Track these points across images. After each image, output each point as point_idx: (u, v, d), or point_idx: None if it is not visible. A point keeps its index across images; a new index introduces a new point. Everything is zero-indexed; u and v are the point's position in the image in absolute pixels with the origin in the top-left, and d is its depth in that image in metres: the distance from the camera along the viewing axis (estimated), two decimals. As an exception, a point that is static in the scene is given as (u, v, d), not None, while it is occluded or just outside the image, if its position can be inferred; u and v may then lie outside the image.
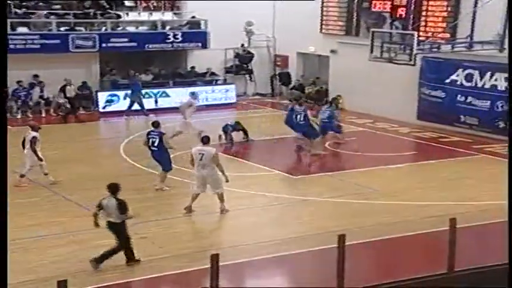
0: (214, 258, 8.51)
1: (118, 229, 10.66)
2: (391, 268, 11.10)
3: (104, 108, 24.08)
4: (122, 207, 10.57)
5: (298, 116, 18.38)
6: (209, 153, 13.18)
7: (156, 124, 15.04)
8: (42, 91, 23.75)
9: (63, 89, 23.07)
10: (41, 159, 15.04)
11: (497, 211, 13.37)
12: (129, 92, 24.03)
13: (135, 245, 11.65)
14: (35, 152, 14.94)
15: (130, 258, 10.71)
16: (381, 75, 22.95)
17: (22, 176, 15.01)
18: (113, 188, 10.74)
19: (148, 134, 15.01)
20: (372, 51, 20.80)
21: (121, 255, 10.79)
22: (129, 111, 23.45)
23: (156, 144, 14.73)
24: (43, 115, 23.25)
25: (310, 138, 18.43)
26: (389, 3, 22.93)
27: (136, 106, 23.53)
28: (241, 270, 10.95)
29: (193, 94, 20.40)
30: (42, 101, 23.70)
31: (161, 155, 14.82)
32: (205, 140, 13.51)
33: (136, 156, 17.46)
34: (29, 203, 13.77)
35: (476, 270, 10.16)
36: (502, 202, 14.04)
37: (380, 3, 23.61)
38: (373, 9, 23.86)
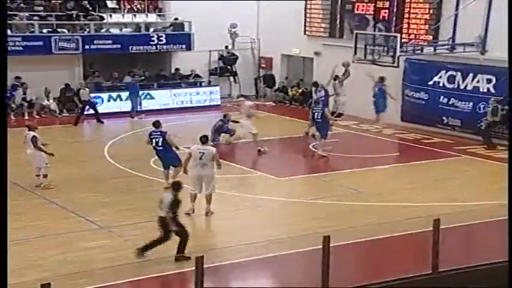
0: (199, 260, 8.50)
1: (165, 223, 10.87)
2: (377, 269, 11.14)
3: (87, 110, 23.93)
4: (174, 204, 10.85)
5: (316, 114, 18.83)
6: (209, 153, 13.21)
7: (157, 124, 15.03)
8: (25, 93, 23.56)
9: (77, 93, 22.90)
10: (51, 154, 14.89)
11: (481, 211, 13.51)
12: (113, 94, 23.96)
13: (120, 247, 11.62)
14: (40, 149, 14.80)
15: (182, 253, 10.83)
16: (364, 77, 23.04)
17: (45, 175, 14.84)
18: (177, 186, 11.13)
19: (150, 134, 14.99)
20: (355, 53, 20.88)
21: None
22: (135, 112, 23.49)
23: (160, 143, 14.77)
24: (26, 117, 23.06)
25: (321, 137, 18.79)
26: (372, 5, 23.05)
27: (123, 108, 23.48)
28: (227, 272, 10.94)
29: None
30: (25, 103, 23.50)
31: (167, 153, 14.88)
32: (204, 140, 13.54)
33: (120, 158, 17.39)
34: (12, 206, 13.58)
35: (461, 271, 10.24)
36: (485, 202, 14.23)
37: (363, 6, 23.74)
38: (356, 12, 23.97)
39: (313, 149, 19.06)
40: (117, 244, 11.80)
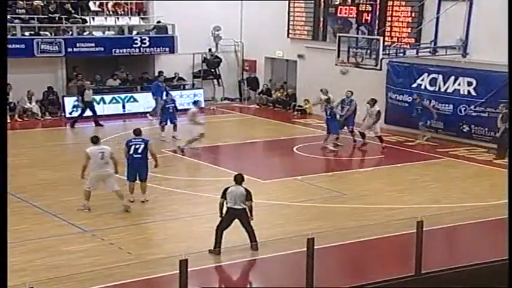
0: (183, 264, 8.49)
1: (244, 214, 11.50)
2: (360, 271, 11.20)
3: (70, 113, 23.80)
4: (248, 195, 11.55)
5: (328, 111, 19.56)
6: (108, 151, 13.74)
7: (138, 131, 14.67)
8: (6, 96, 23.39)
9: (81, 93, 22.74)
10: None
11: (463, 213, 13.62)
12: (97, 97, 23.84)
13: (103, 251, 11.57)
14: None
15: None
16: (348, 80, 23.15)
17: None
18: (240, 179, 11.82)
19: (129, 141, 14.42)
20: (338, 56, 20.98)
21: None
22: (153, 112, 23.45)
23: (139, 151, 14.24)
24: (8, 120, 22.89)
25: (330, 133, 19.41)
26: (355, 8, 23.15)
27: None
28: (211, 275, 10.93)
29: (196, 103, 20.10)
30: (7, 106, 23.32)
31: (145, 163, 14.41)
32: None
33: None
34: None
35: (443, 272, 10.32)
36: (468, 204, 14.36)
37: (346, 9, 23.83)
38: (339, 15, 24.08)
39: (324, 146, 19.48)
40: (101, 248, 11.74)
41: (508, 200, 10.22)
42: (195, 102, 20.08)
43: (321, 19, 24.99)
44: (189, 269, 8.65)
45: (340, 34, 21.96)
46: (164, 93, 23.20)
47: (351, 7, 23.38)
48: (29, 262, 10.95)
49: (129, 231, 12.62)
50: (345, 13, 23.81)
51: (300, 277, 9.55)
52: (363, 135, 20.00)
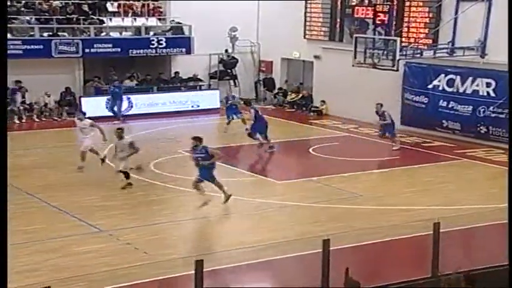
0: (199, 264, 8.47)
1: None
2: (376, 272, 11.12)
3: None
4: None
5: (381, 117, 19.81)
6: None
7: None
8: (23, 97, 23.56)
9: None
10: None
11: (480, 215, 13.50)
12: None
13: (118, 251, 11.59)
14: None
15: None
16: (364, 80, 23.05)
17: None
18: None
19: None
20: (355, 57, 20.90)
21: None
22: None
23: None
24: (25, 121, 23.07)
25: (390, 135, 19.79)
26: (371, 9, 23.04)
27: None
28: (225, 276, 10.91)
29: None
30: (22, 107, 23.43)
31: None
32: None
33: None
34: (10, 208, 13.48)
35: (461, 275, 10.21)
36: (485, 206, 14.22)
37: (362, 10, 23.72)
38: (356, 16, 23.97)
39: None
40: (116, 248, 11.77)
41: (508, 201, 10.09)
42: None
43: (338, 20, 24.91)
44: (204, 269, 8.62)
45: (357, 35, 21.88)
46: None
47: (368, 8, 23.28)
48: (45, 261, 10.99)
49: (144, 232, 12.64)
50: (362, 14, 23.71)
51: (315, 278, 9.50)
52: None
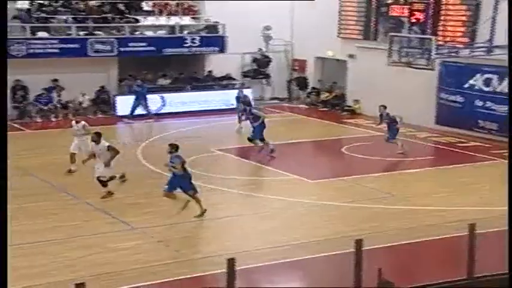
0: (231, 263, 8.47)
1: None
2: (410, 274, 11.00)
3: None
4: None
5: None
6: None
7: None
8: (59, 95, 23.89)
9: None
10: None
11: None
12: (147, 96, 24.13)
13: (151, 248, 11.68)
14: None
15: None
16: (399, 79, 22.85)
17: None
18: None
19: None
20: (390, 56, 20.73)
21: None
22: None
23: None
24: (60, 119, 23.41)
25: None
26: (407, 8, 22.84)
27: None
28: (257, 274, 10.91)
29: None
30: (59, 105, 23.77)
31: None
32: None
33: (153, 160, 17.49)
34: (43, 206, 13.77)
35: (497, 277, 10.04)
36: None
37: (398, 8, 23.52)
38: (391, 14, 23.78)
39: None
40: (149, 245, 11.86)
41: (508, 202, 9.88)
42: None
43: (373, 18, 24.73)
44: (236, 268, 8.63)
45: (392, 34, 21.69)
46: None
47: (404, 6, 23.07)
48: (80, 258, 11.12)
49: (177, 229, 12.71)
50: (397, 12, 23.52)
51: (346, 279, 9.44)
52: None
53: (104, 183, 14.09)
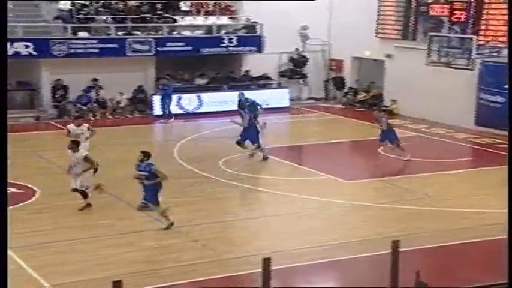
0: (266, 263, 8.45)
1: None
2: (447, 276, 10.83)
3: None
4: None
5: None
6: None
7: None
8: (98, 94, 24.20)
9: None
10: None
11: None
12: (184, 95, 24.26)
13: (187, 247, 11.72)
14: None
15: None
16: (437, 80, 22.55)
17: None
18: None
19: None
20: (429, 56, 20.48)
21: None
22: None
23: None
24: (98, 117, 23.71)
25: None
26: (448, 7, 22.51)
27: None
28: (293, 275, 10.88)
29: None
30: (95, 105, 24.04)
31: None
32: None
33: (189, 159, 17.58)
34: (79, 204, 13.87)
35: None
36: None
37: (438, 7, 23.21)
38: (431, 14, 23.47)
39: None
40: (185, 244, 11.91)
41: (508, 210, 9.61)
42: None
43: (412, 18, 24.45)
44: (271, 268, 8.61)
45: (432, 33, 21.41)
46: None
47: (444, 5, 22.74)
48: (116, 256, 11.22)
49: (213, 229, 12.73)
50: (438, 12, 23.20)
51: (382, 280, 9.34)
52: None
53: (83, 195, 13.43)
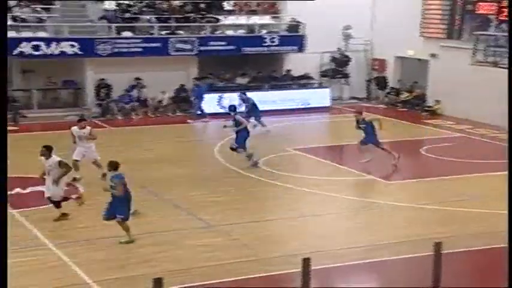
0: (306, 262, 8.44)
1: None
2: (491, 281, 10.64)
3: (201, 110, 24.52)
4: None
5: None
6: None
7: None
8: (140, 93, 24.47)
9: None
10: None
11: None
12: (225, 94, 24.38)
13: (227, 246, 11.77)
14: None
15: None
16: (482, 80, 22.16)
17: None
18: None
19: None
20: (474, 55, 20.13)
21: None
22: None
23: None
24: (140, 116, 23.98)
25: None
26: (495, 5, 22.07)
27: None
28: (332, 275, 10.84)
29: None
30: (137, 103, 24.29)
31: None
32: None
33: (230, 158, 17.64)
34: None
35: None
36: None
37: (485, 6, 22.77)
38: (477, 12, 23.05)
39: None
40: (225, 243, 11.97)
41: (508, 217, 9.31)
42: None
43: (457, 17, 24.07)
44: (311, 268, 8.59)
45: (478, 32, 21.03)
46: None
47: (492, 4, 22.31)
48: (156, 253, 11.32)
49: (252, 228, 12.77)
50: (485, 10, 22.76)
51: (422, 282, 9.24)
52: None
53: (57, 205, 12.72)
